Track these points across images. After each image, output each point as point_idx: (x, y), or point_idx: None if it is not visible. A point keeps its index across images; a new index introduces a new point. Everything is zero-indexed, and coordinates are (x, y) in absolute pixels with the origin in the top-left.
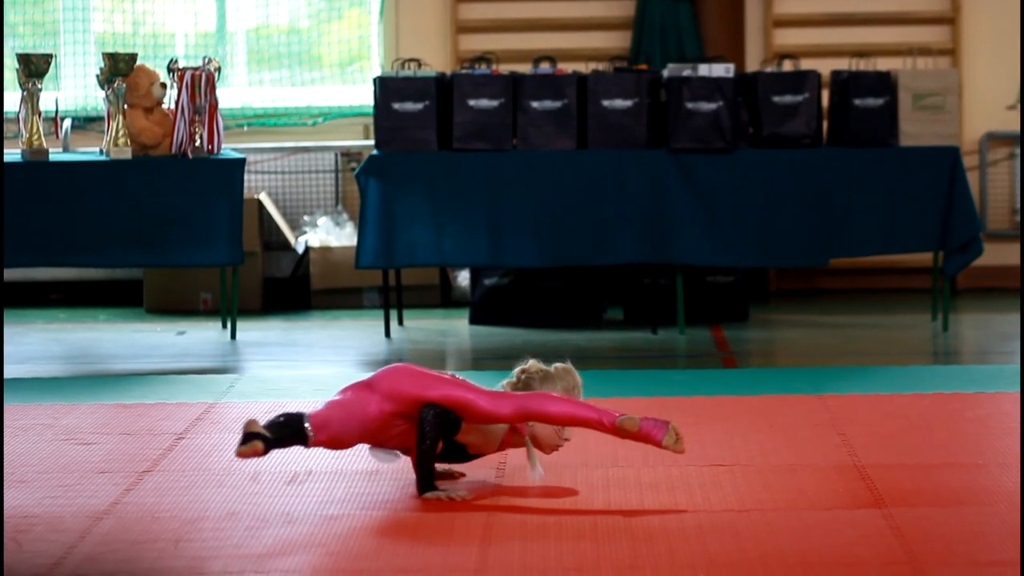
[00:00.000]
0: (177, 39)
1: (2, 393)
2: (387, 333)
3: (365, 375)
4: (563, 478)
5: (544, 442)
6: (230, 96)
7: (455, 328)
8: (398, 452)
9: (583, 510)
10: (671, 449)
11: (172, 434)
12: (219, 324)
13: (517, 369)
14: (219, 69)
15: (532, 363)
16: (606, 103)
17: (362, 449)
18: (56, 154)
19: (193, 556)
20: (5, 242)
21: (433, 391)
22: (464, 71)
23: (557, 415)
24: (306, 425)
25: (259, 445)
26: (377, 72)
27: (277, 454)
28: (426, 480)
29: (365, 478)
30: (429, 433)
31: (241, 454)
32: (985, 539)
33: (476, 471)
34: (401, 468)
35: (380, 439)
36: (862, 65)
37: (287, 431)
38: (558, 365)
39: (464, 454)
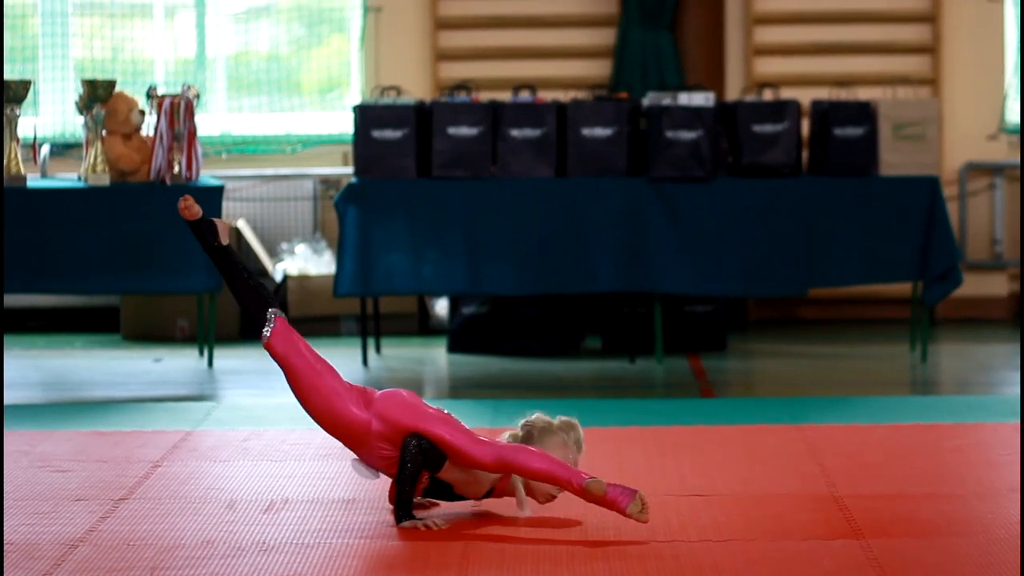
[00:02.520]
0: (157, 66)
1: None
2: (364, 361)
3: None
4: (541, 507)
5: (538, 491)
6: (209, 123)
7: (433, 356)
8: (378, 471)
9: (560, 539)
10: (635, 518)
11: (148, 462)
12: (196, 351)
13: (522, 421)
14: (198, 96)
15: (537, 416)
16: (586, 131)
17: (338, 478)
18: (34, 180)
19: None
20: None
21: (422, 423)
22: (444, 99)
23: (533, 470)
24: (270, 314)
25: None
26: (357, 99)
27: (253, 485)
28: (404, 509)
29: (342, 507)
30: (410, 462)
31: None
32: (963, 570)
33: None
34: (378, 496)
35: (358, 450)
36: (842, 95)
37: (252, 295)
38: (562, 418)
39: (450, 493)
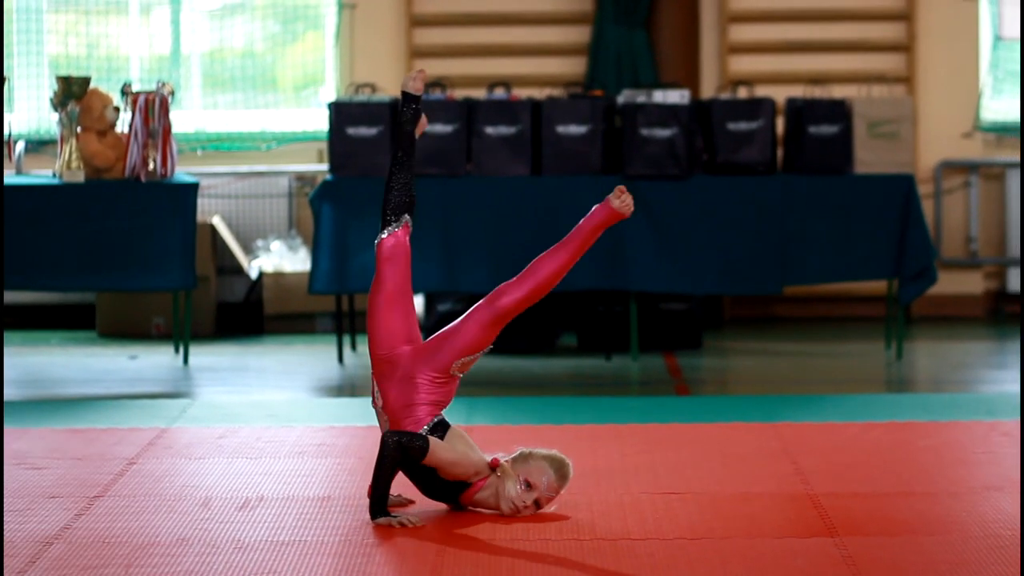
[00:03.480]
0: (132, 62)
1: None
2: (340, 359)
3: (318, 400)
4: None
5: (503, 503)
6: (184, 120)
7: None
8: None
9: (535, 537)
10: (619, 210)
11: (123, 459)
12: (172, 349)
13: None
14: (173, 93)
15: (537, 450)
16: (560, 129)
17: (314, 475)
18: (9, 177)
19: None
20: None
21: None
22: None
23: (540, 280)
24: (403, 218)
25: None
26: (332, 96)
27: (229, 482)
28: (379, 505)
29: (317, 504)
30: (387, 459)
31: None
32: (937, 568)
33: (428, 500)
34: (354, 494)
35: (379, 378)
36: (817, 92)
37: (400, 194)
38: (554, 454)
39: (434, 478)
